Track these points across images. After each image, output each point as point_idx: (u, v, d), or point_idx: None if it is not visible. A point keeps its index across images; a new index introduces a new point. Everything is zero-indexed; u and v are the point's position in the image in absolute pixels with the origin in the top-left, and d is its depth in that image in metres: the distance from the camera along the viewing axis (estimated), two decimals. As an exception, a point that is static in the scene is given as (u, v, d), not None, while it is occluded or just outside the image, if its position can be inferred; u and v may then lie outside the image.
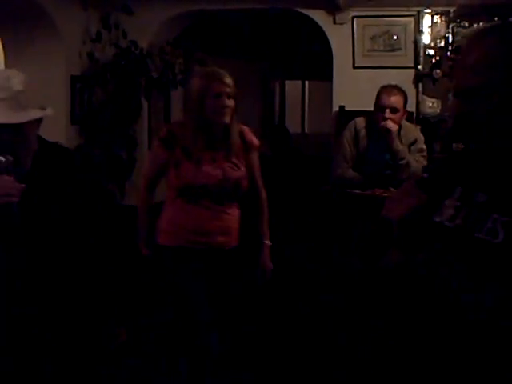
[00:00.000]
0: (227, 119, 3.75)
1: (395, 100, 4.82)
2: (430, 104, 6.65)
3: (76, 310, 2.83)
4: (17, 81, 2.63)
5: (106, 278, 2.89)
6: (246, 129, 4.05)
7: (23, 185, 2.56)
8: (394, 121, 4.81)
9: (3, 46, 6.58)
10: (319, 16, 6.92)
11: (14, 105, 2.57)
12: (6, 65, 6.61)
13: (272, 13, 7.60)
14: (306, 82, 13.12)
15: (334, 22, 6.89)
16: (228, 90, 3.81)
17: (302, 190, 8.09)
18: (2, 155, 2.58)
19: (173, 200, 3.73)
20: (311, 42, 8.51)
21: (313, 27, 7.05)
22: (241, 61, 11.15)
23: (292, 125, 12.05)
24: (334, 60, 6.95)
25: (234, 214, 3.82)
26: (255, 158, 3.99)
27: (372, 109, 5.06)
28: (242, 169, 3.81)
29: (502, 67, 1.75)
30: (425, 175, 1.99)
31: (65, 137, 6.33)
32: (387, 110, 4.79)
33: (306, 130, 13.10)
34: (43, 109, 2.76)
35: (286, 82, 12.88)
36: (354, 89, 6.76)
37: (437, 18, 6.63)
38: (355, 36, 6.85)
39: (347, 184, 4.90)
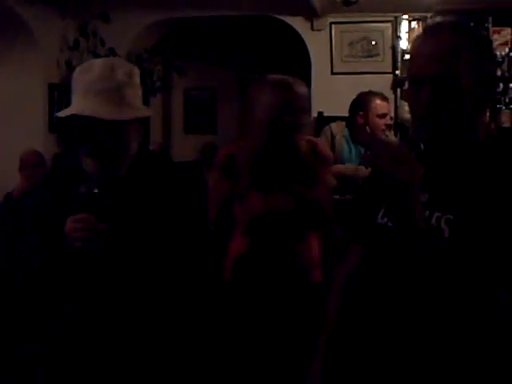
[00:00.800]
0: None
1: (389, 107, 4.96)
2: (408, 109, 6.68)
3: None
4: (123, 71, 2.25)
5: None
6: (317, 140, 3.48)
7: (104, 225, 2.15)
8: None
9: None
10: (297, 22, 6.94)
11: (117, 98, 2.20)
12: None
13: (250, 19, 7.61)
14: (285, 88, 13.13)
15: (312, 29, 6.92)
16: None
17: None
18: (85, 184, 2.23)
19: (241, 236, 3.19)
20: (289, 48, 8.53)
21: (290, 33, 7.06)
22: (220, 67, 11.18)
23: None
24: (313, 66, 6.98)
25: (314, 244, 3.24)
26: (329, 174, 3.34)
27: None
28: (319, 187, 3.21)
29: (462, 56, 1.79)
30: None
31: (43, 145, 6.30)
32: (388, 117, 4.88)
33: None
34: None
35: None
36: (332, 95, 6.77)
37: (414, 24, 6.68)
38: (333, 42, 6.88)
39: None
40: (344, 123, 5.08)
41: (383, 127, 4.91)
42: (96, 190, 2.21)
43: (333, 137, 5.01)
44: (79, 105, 2.21)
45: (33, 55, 6.53)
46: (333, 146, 4.99)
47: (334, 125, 5.10)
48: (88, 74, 2.22)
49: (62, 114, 2.26)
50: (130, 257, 2.29)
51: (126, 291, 2.30)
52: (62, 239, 2.17)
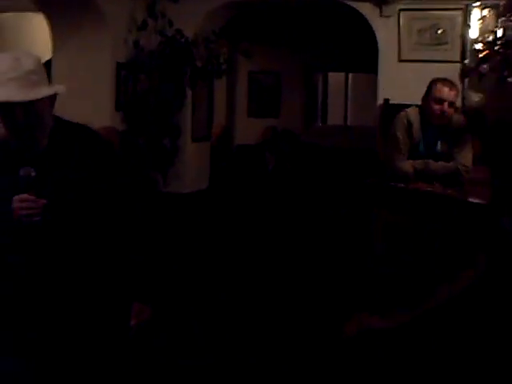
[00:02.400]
0: None
1: (454, 95, 4.85)
2: (476, 99, 6.57)
3: (98, 285, 2.80)
4: (28, 61, 2.60)
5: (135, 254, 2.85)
6: None
7: (44, 200, 2.57)
8: (449, 115, 4.82)
9: (51, 33, 6.63)
10: (366, 8, 6.86)
11: (24, 83, 2.54)
12: (54, 52, 6.68)
13: (318, 4, 7.55)
14: (350, 75, 13.06)
15: (381, 15, 6.82)
16: None
17: (344, 181, 8.05)
18: (23, 168, 2.58)
19: None
20: (356, 34, 8.46)
21: (359, 19, 6.99)
22: (285, 52, 11.15)
23: (335, 117, 12.03)
24: (380, 53, 6.89)
25: None
26: None
27: (418, 102, 5.05)
28: None
29: None
30: None
31: (109, 123, 6.37)
32: (446, 104, 4.79)
33: (349, 123, 13.05)
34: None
35: (330, 74, 12.83)
36: (399, 82, 6.70)
37: (486, 12, 6.53)
38: (402, 29, 6.78)
39: (403, 177, 4.90)
40: (418, 109, 5.02)
41: (438, 113, 4.83)
42: (33, 174, 2.56)
43: (410, 124, 4.95)
44: None
45: (102, 34, 6.59)
46: (410, 133, 4.95)
47: (409, 110, 5.03)
48: None
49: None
50: (68, 223, 2.70)
51: (69, 255, 2.71)
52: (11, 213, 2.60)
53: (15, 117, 2.56)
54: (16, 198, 2.58)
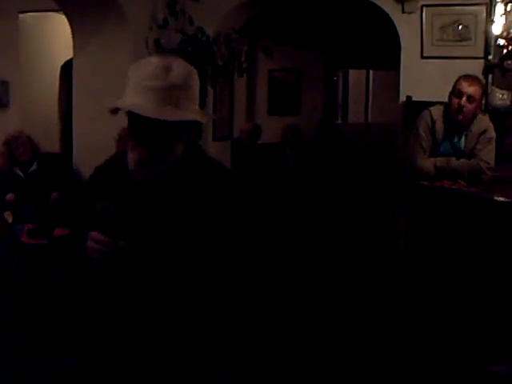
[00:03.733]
0: None
1: (474, 90, 4.81)
2: (500, 96, 6.49)
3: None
4: (178, 72, 2.24)
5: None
6: None
7: (120, 242, 2.22)
8: (468, 110, 4.78)
9: (72, 32, 6.64)
10: (387, 5, 6.80)
11: (166, 98, 2.20)
12: (75, 51, 6.69)
13: (339, 1, 7.51)
14: (371, 72, 13.01)
15: (403, 11, 6.76)
16: None
17: (367, 179, 8.02)
18: (101, 202, 2.28)
19: None
20: (377, 30, 8.40)
21: (380, 16, 6.94)
22: (305, 49, 11.12)
23: (355, 114, 11.98)
24: (402, 50, 6.83)
25: None
26: None
27: (441, 100, 5.03)
28: None
29: None
30: None
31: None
32: (464, 98, 4.75)
33: (370, 120, 13.00)
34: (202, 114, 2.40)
35: (350, 71, 12.78)
36: (421, 79, 6.64)
37: (510, 6, 6.45)
38: (424, 25, 6.71)
39: (425, 174, 4.87)
40: (443, 107, 4.99)
41: (455, 106, 4.80)
42: (112, 209, 2.25)
43: (433, 122, 4.93)
44: (128, 99, 2.24)
45: (122, 33, 6.59)
46: (433, 132, 4.92)
47: (433, 109, 5.02)
48: (143, 70, 2.24)
49: (111, 104, 2.28)
50: (150, 267, 2.31)
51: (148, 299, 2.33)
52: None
53: (143, 131, 2.23)
54: (90, 235, 2.27)
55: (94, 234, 2.25)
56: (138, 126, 2.23)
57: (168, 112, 2.19)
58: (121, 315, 2.39)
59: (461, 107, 4.78)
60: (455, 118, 4.84)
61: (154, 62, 2.25)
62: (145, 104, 2.19)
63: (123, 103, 2.24)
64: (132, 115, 2.22)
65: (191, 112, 2.27)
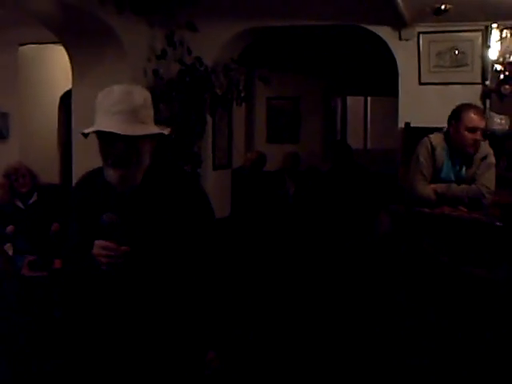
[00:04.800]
0: None
1: (485, 123, 4.87)
2: (498, 120, 6.52)
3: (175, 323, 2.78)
4: (139, 96, 2.67)
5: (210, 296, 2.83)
6: None
7: (126, 248, 2.63)
8: (479, 142, 4.83)
9: (71, 64, 6.67)
10: (384, 32, 6.84)
11: (132, 118, 2.60)
12: (74, 82, 6.71)
13: (336, 29, 7.55)
14: (369, 98, 13.05)
15: (400, 38, 6.81)
16: None
17: (365, 206, 8.01)
18: (106, 214, 2.64)
19: None
20: (374, 57, 8.45)
21: (378, 43, 6.98)
22: (303, 76, 11.16)
23: (354, 141, 12.00)
24: (400, 76, 6.87)
25: None
26: None
27: (439, 125, 5.05)
28: None
29: None
30: None
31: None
32: (478, 133, 4.79)
33: (369, 146, 13.02)
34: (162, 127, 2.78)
35: (348, 97, 12.83)
36: (420, 105, 6.68)
37: (506, 32, 6.50)
38: (421, 52, 6.76)
39: (425, 201, 4.87)
40: (442, 135, 5.00)
41: (471, 141, 4.83)
42: (116, 220, 2.63)
43: (433, 149, 4.94)
44: (101, 123, 2.63)
45: (121, 64, 6.61)
46: (434, 159, 4.94)
47: (433, 136, 5.03)
48: (109, 97, 2.65)
49: (87, 130, 2.66)
50: (151, 268, 2.71)
51: (149, 298, 2.72)
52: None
53: (116, 149, 2.62)
54: (97, 243, 2.66)
55: (101, 242, 2.64)
56: (110, 144, 2.61)
57: (136, 129, 2.61)
58: (120, 313, 2.75)
59: (476, 142, 4.83)
60: (469, 152, 4.87)
61: (116, 89, 2.65)
62: (115, 124, 2.58)
63: (99, 126, 2.62)
64: (104, 136, 2.62)
65: (153, 127, 2.72)
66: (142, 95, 2.69)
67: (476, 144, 4.85)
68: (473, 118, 4.84)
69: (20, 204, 6.31)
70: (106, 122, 2.59)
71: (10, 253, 5.75)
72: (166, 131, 2.74)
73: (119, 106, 2.60)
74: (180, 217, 2.73)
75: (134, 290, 2.72)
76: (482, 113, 4.96)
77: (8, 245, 5.84)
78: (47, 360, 4.69)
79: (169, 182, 2.78)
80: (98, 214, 2.66)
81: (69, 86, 7.03)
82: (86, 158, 6.52)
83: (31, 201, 6.34)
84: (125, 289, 2.73)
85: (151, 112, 2.74)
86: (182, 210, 2.74)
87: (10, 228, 6.08)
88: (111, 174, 2.67)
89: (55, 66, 8.39)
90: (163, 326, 2.74)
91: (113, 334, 2.77)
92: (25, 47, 7.68)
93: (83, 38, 6.45)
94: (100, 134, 2.63)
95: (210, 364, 2.81)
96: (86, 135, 2.66)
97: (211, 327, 2.81)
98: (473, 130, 4.82)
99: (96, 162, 6.05)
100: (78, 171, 6.75)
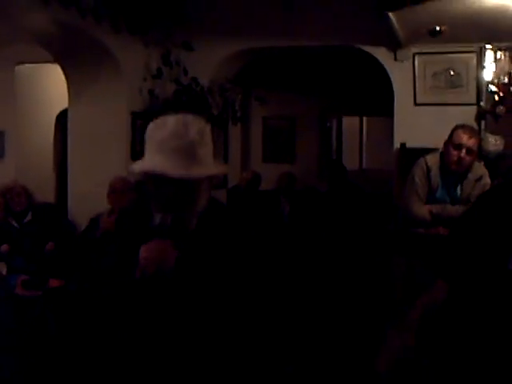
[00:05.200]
0: None
1: (473, 142, 4.85)
2: (494, 141, 6.53)
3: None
4: (196, 128, 2.33)
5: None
6: None
7: (177, 252, 2.31)
8: (466, 162, 4.81)
9: (67, 83, 6.69)
10: (380, 53, 6.88)
11: (189, 156, 2.26)
12: (70, 102, 6.72)
13: (332, 49, 7.58)
14: (364, 118, 13.07)
15: (395, 59, 6.84)
16: None
17: (361, 226, 8.00)
18: (159, 215, 2.35)
19: None
20: (370, 78, 8.47)
21: (373, 64, 7.01)
22: (299, 96, 11.19)
23: (350, 161, 12.00)
24: (396, 97, 6.90)
25: None
26: None
27: (435, 146, 5.06)
28: None
29: None
30: None
31: (126, 173, 6.37)
32: (463, 150, 4.78)
33: (364, 166, 13.03)
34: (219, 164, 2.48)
35: (344, 117, 12.85)
36: (415, 126, 6.70)
37: (500, 54, 6.53)
38: (416, 73, 6.79)
39: (420, 222, 4.87)
40: (438, 155, 5.01)
41: (455, 158, 4.82)
42: (170, 218, 2.31)
43: (429, 170, 4.95)
44: (151, 161, 2.30)
45: (117, 83, 6.63)
46: (429, 180, 4.94)
47: (429, 157, 5.04)
48: (161, 130, 2.31)
49: (136, 168, 2.34)
50: (198, 285, 2.39)
51: (192, 315, 2.41)
52: (133, 268, 2.29)
53: (168, 192, 2.29)
54: (144, 246, 2.32)
55: (151, 242, 2.30)
56: (163, 187, 2.28)
57: (194, 170, 2.26)
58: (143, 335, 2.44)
59: (460, 159, 4.81)
60: (453, 169, 4.86)
61: (171, 120, 2.31)
62: (170, 164, 2.23)
63: (147, 166, 2.30)
64: (155, 177, 2.27)
65: (212, 166, 2.36)
66: (200, 128, 2.35)
67: (461, 162, 4.83)
68: (459, 135, 4.85)
69: (15, 223, 6.28)
70: (157, 161, 2.26)
71: (4, 272, 5.72)
72: (224, 170, 2.55)
73: (173, 143, 2.26)
74: (228, 262, 2.49)
75: (175, 305, 2.41)
76: (472, 132, 4.94)
77: (2, 264, 5.81)
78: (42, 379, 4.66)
79: (221, 228, 2.47)
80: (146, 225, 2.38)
81: (65, 105, 7.04)
82: (82, 177, 6.58)
83: (26, 220, 6.32)
84: (166, 303, 2.42)
85: (210, 148, 2.38)
86: (229, 255, 2.49)
87: (4, 247, 6.05)
88: (162, 219, 2.37)
89: (51, 85, 8.40)
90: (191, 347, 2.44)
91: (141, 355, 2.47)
92: (21, 66, 7.67)
93: (79, 58, 6.47)
94: (149, 174, 2.32)
95: None
96: (136, 175, 2.37)
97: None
98: (458, 146, 4.82)
99: (91, 181, 6.05)
100: (73, 190, 6.76)
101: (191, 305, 2.40)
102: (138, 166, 2.34)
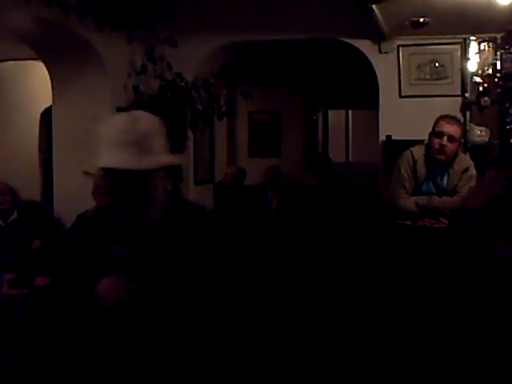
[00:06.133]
0: None
1: (454, 129, 4.84)
2: (479, 132, 6.55)
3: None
4: (146, 123, 2.41)
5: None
6: None
7: (135, 284, 2.38)
8: (449, 150, 4.80)
9: (51, 80, 6.65)
10: (364, 45, 6.88)
11: (140, 149, 2.32)
12: (54, 99, 6.68)
13: (316, 43, 7.58)
14: (350, 112, 13.08)
15: (380, 51, 6.84)
16: None
17: (347, 219, 8.01)
18: (115, 248, 2.39)
19: None
20: (355, 71, 8.48)
21: (358, 56, 7.01)
22: (284, 90, 11.18)
23: (336, 154, 12.01)
24: (381, 89, 6.90)
25: None
26: None
27: (420, 138, 5.06)
28: None
29: None
30: None
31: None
32: (445, 138, 4.78)
33: (350, 159, 13.04)
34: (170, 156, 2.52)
35: (330, 111, 12.85)
36: (400, 118, 6.71)
37: (484, 45, 6.54)
38: (401, 65, 6.80)
39: (407, 214, 4.87)
40: (424, 147, 5.01)
41: (437, 146, 4.83)
42: (125, 251, 2.38)
43: (415, 162, 4.95)
44: (105, 158, 2.34)
45: (101, 80, 6.59)
46: (415, 171, 4.94)
47: (414, 149, 5.04)
48: (112, 128, 2.39)
49: (93, 167, 2.44)
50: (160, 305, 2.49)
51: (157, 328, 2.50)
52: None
53: (124, 186, 2.36)
54: (105, 280, 2.39)
55: (110, 278, 2.38)
56: (118, 181, 2.35)
57: (145, 161, 2.31)
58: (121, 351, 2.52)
59: (442, 147, 4.81)
60: (437, 158, 4.86)
61: (120, 117, 2.40)
62: (122, 158, 2.29)
63: (103, 162, 2.35)
64: (110, 172, 2.34)
65: (164, 157, 2.42)
66: (150, 121, 2.44)
67: (443, 150, 4.82)
68: (440, 123, 4.87)
69: (0, 222, 6.25)
70: (110, 156, 2.33)
71: (-10, 271, 5.69)
72: (178, 160, 2.59)
73: (125, 137, 2.33)
74: (192, 255, 2.51)
75: (138, 328, 2.50)
76: (453, 120, 4.95)
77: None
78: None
79: (186, 221, 2.51)
80: (103, 254, 2.45)
81: (49, 102, 7.00)
82: (67, 174, 6.55)
83: (11, 218, 6.29)
84: (129, 327, 2.50)
85: (161, 140, 2.45)
86: (195, 249, 2.52)
87: (-10, 246, 6.02)
88: (120, 214, 2.43)
89: (35, 82, 8.36)
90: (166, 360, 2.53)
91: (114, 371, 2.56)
92: (4, 63, 7.65)
93: (63, 54, 6.43)
94: (105, 171, 2.37)
95: None
96: (91, 173, 2.46)
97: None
98: (439, 134, 4.83)
99: (77, 179, 5.99)
100: (59, 187, 6.72)
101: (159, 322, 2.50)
102: (96, 163, 2.39)
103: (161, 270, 2.44)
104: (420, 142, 5.08)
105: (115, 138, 2.34)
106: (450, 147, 4.83)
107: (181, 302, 2.50)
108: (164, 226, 2.46)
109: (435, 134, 4.86)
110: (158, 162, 2.38)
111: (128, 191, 2.36)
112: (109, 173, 2.36)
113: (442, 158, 4.85)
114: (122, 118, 2.41)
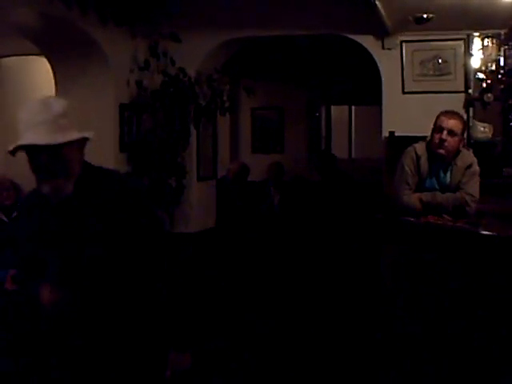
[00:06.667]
0: None
1: (454, 124, 4.82)
2: (482, 129, 6.54)
3: (130, 333, 2.79)
4: (57, 105, 2.65)
5: (162, 302, 2.81)
6: None
7: (61, 293, 2.69)
8: (449, 144, 4.79)
9: (54, 75, 6.65)
10: (368, 41, 6.87)
11: (52, 127, 2.58)
12: (57, 95, 6.68)
13: (319, 38, 7.57)
14: (353, 107, 13.08)
15: (383, 47, 6.83)
16: None
17: (350, 215, 8.02)
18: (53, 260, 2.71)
19: None
20: (358, 67, 8.47)
21: (361, 52, 7.00)
22: (287, 86, 11.18)
23: (339, 150, 12.02)
24: (384, 85, 6.89)
25: None
26: None
27: (423, 134, 5.06)
28: None
29: None
30: None
31: (113, 164, 6.34)
32: (445, 132, 4.77)
33: (353, 156, 13.05)
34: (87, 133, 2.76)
35: (332, 107, 12.85)
36: (403, 114, 6.69)
37: (487, 41, 6.53)
38: (404, 61, 6.78)
39: (410, 210, 4.86)
40: (426, 143, 5.00)
41: (437, 141, 4.82)
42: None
43: (418, 158, 4.94)
44: (23, 137, 2.61)
45: (104, 75, 6.59)
46: (418, 168, 4.93)
47: (418, 145, 5.02)
48: (27, 111, 2.64)
49: (11, 147, 2.63)
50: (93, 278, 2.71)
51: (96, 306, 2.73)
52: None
53: (41, 161, 2.60)
54: (45, 289, 2.70)
55: (44, 288, 2.69)
56: (35, 158, 2.60)
57: (57, 137, 2.57)
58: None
59: (442, 141, 4.79)
60: (437, 152, 4.85)
61: (34, 102, 2.66)
62: (35, 136, 2.56)
63: (20, 141, 2.60)
64: (29, 151, 2.61)
65: (75, 134, 2.68)
66: (60, 104, 2.68)
67: (443, 144, 4.81)
68: (441, 118, 4.87)
69: (4, 217, 6.25)
70: (27, 136, 2.58)
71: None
72: (90, 134, 2.73)
73: (38, 117, 2.59)
74: (117, 224, 2.70)
75: (81, 312, 2.74)
76: (453, 115, 4.92)
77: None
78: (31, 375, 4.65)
79: (102, 189, 2.75)
80: (39, 227, 2.74)
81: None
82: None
83: (15, 214, 6.29)
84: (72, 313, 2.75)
85: (71, 120, 2.71)
86: (119, 217, 2.71)
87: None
88: (43, 187, 2.68)
89: (38, 77, 8.35)
90: (116, 342, 2.76)
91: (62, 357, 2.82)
92: (7, 59, 7.65)
93: (66, 50, 6.42)
94: (26, 149, 2.62)
95: (173, 365, 2.82)
96: (12, 153, 2.63)
97: (167, 330, 2.81)
98: (439, 129, 4.83)
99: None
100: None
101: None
102: (12, 145, 2.62)
103: (78, 241, 2.68)
104: (423, 138, 5.07)
105: (31, 119, 2.59)
106: (451, 141, 4.81)
107: (114, 273, 2.73)
108: (75, 196, 2.69)
109: (436, 129, 4.86)
110: (70, 137, 2.62)
111: (46, 165, 2.60)
112: (28, 151, 2.61)
113: (442, 151, 4.84)
114: (36, 102, 2.66)
